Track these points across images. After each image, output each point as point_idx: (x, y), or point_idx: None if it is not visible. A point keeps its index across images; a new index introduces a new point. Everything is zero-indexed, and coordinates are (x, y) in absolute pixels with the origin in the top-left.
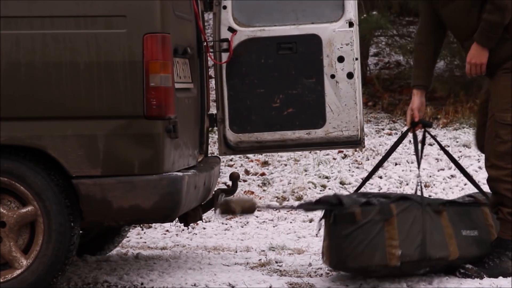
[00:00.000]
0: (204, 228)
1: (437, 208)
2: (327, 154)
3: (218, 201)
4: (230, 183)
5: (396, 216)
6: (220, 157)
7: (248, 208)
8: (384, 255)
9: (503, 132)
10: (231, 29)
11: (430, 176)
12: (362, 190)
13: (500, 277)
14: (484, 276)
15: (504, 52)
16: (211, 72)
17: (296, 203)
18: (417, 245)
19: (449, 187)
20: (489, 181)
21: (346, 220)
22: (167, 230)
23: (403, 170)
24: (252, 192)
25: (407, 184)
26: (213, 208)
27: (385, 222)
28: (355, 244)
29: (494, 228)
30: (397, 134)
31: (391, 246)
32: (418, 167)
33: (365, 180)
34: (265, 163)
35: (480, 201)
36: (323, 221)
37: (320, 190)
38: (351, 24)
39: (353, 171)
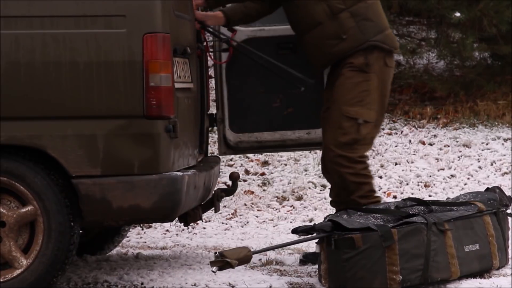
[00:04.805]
0: (204, 228)
1: (443, 228)
2: None
3: (215, 258)
4: (230, 182)
5: (397, 242)
6: (220, 156)
7: (244, 257)
8: (384, 280)
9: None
10: (231, 29)
11: (430, 176)
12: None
13: (501, 277)
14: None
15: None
16: (211, 72)
17: (297, 203)
18: (418, 269)
19: (449, 187)
20: None
21: (346, 244)
22: (167, 230)
23: (403, 170)
24: (252, 192)
25: (407, 184)
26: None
27: (386, 248)
28: (356, 269)
29: (494, 237)
30: (397, 134)
31: (392, 272)
32: None
33: None
34: (265, 163)
35: (483, 209)
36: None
37: (320, 190)
38: None
39: None
